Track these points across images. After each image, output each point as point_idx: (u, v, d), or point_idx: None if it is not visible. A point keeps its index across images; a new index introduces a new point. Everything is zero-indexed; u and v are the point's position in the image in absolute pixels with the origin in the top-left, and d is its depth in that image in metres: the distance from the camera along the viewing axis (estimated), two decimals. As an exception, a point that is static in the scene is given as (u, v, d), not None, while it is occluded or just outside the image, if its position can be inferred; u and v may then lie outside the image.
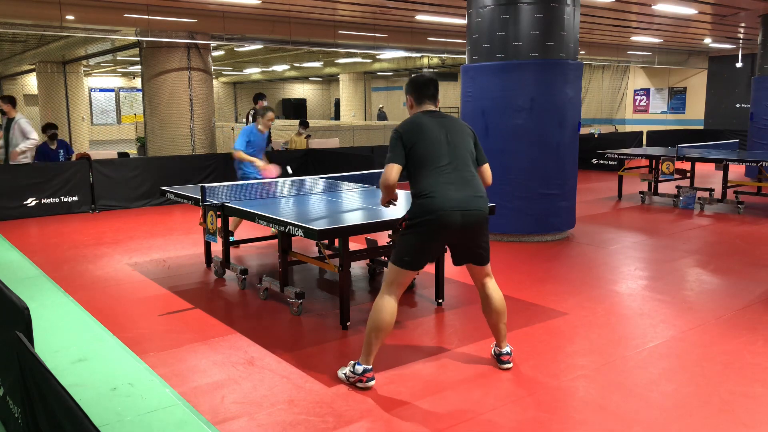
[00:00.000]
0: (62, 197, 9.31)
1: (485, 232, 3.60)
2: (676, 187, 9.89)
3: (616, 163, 13.65)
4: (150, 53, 12.87)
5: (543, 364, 3.83)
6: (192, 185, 6.72)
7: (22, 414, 2.36)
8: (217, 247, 5.94)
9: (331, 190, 6.03)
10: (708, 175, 12.50)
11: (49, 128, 10.09)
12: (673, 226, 8.13)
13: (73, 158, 10.03)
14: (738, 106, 20.29)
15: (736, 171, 12.95)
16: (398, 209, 4.58)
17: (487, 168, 3.75)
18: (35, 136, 8.97)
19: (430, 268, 5.55)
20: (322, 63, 25.51)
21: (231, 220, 6.31)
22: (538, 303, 5.01)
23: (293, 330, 4.49)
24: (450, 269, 5.75)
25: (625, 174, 10.59)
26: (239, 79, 34.08)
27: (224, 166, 10.61)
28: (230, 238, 7.03)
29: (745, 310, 4.81)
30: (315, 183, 6.44)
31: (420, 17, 13.02)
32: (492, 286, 3.73)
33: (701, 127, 20.88)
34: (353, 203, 5.28)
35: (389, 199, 3.73)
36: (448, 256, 3.90)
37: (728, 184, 9.37)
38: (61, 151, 9.99)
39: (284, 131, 16.56)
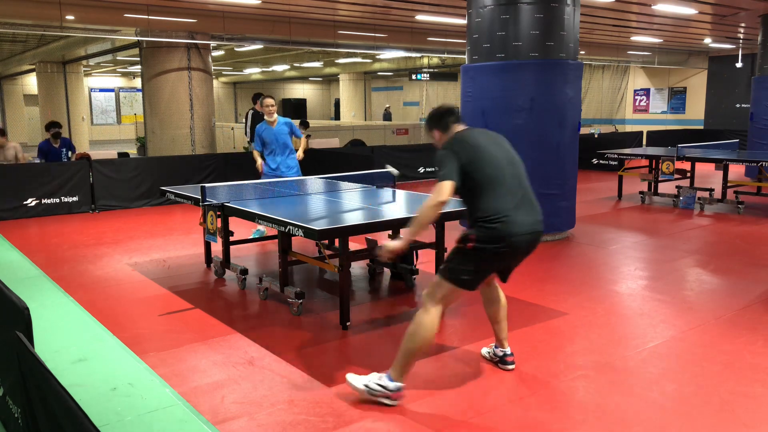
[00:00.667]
0: (62, 197, 9.31)
1: None
2: (676, 187, 9.89)
3: (616, 163, 13.64)
4: (150, 53, 12.87)
5: (543, 364, 3.83)
6: (192, 185, 6.72)
7: (22, 414, 2.36)
8: (217, 247, 5.94)
9: (331, 190, 6.02)
10: (708, 175, 12.49)
11: (52, 126, 10.03)
12: (673, 226, 8.13)
13: (73, 158, 10.01)
14: (738, 106, 20.28)
15: (736, 171, 12.94)
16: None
17: None
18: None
19: (429, 268, 5.56)
20: (322, 63, 25.51)
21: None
22: (538, 303, 5.00)
23: (293, 330, 4.49)
24: (450, 269, 5.74)
25: (625, 174, 10.59)
26: (239, 79, 34.08)
27: (224, 166, 10.61)
28: (260, 231, 6.90)
29: (745, 310, 4.81)
30: (315, 183, 6.44)
31: (420, 17, 13.02)
32: (496, 286, 3.72)
33: (701, 127, 20.87)
34: (353, 203, 5.28)
35: (433, 221, 3.44)
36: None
37: (728, 184, 9.37)
38: (64, 149, 9.98)
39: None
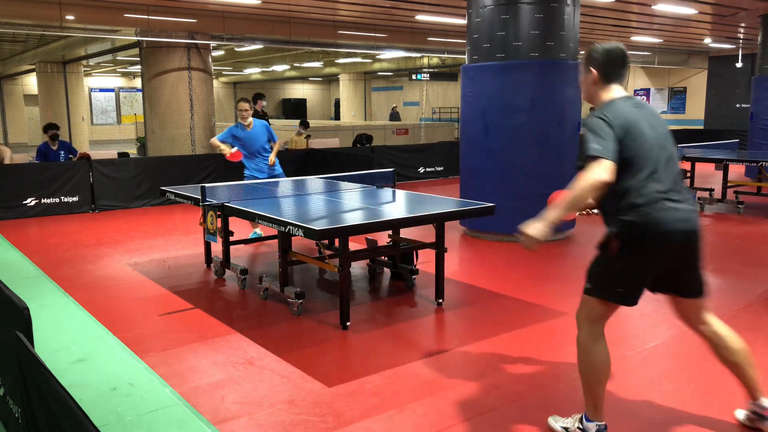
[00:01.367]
0: (62, 197, 9.31)
1: (701, 254, 2.94)
2: (676, 187, 9.87)
3: (616, 163, 13.61)
4: (150, 53, 12.87)
5: (543, 364, 3.83)
6: (192, 185, 6.71)
7: (22, 414, 2.36)
8: (217, 247, 5.94)
9: (331, 190, 6.02)
10: (708, 175, 12.49)
11: (50, 128, 10.02)
12: (673, 226, 8.12)
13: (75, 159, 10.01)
14: (738, 106, 20.29)
15: (736, 171, 12.94)
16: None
17: None
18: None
19: (429, 268, 5.55)
20: (322, 63, 25.52)
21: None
22: (538, 303, 5.00)
23: (293, 330, 4.49)
24: (450, 269, 5.75)
25: (625, 174, 10.58)
26: (239, 79, 34.10)
27: (224, 166, 10.56)
28: (256, 233, 6.94)
29: (745, 310, 4.81)
30: (315, 183, 6.44)
31: (420, 17, 13.03)
32: (717, 321, 3.05)
33: (701, 127, 20.88)
34: (353, 203, 5.28)
35: (585, 208, 3.02)
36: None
37: (728, 184, 9.37)
38: (62, 152, 9.97)
39: (284, 131, 16.56)
